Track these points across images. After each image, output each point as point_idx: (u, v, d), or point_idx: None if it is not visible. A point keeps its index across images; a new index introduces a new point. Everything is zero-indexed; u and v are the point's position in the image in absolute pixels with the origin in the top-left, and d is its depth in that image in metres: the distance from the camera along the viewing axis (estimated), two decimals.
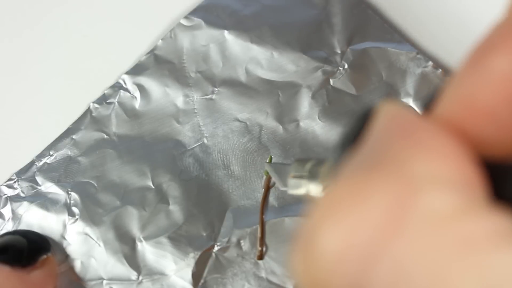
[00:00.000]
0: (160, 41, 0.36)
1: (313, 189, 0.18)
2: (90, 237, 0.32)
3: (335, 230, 0.10)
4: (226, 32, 0.35)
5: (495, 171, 0.11)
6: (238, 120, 0.34)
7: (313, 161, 0.19)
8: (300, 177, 0.19)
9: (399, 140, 0.10)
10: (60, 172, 0.34)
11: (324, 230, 0.10)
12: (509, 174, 0.10)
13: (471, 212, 0.09)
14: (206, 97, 0.35)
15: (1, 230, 0.33)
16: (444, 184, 0.10)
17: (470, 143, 0.11)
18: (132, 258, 0.32)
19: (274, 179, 0.31)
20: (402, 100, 0.33)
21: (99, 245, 0.32)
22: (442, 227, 0.09)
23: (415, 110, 0.11)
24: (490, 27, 0.11)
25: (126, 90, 0.35)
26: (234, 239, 0.32)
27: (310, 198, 0.19)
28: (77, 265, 0.32)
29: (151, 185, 0.33)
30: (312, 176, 0.18)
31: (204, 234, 0.32)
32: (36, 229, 0.32)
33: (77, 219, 0.33)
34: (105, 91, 0.35)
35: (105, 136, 0.34)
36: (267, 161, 0.33)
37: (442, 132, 0.11)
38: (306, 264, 0.10)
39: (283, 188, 0.30)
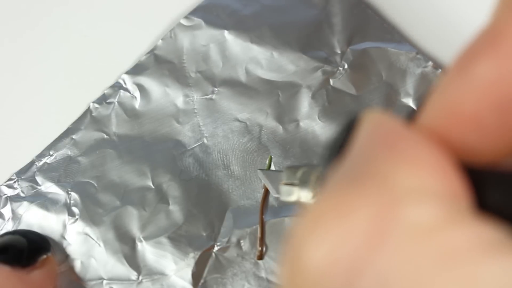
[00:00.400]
0: (160, 41, 0.36)
1: (304, 196, 0.19)
2: (90, 237, 0.32)
3: (319, 244, 0.10)
4: (226, 32, 0.35)
5: (479, 178, 0.10)
6: (238, 120, 0.34)
7: (304, 168, 0.19)
8: (292, 184, 0.19)
9: (381, 151, 0.10)
10: (60, 172, 0.34)
11: (309, 244, 0.10)
12: (493, 181, 0.10)
13: (455, 223, 0.09)
14: (206, 97, 0.35)
15: (1, 230, 0.33)
16: (426, 196, 0.10)
17: (454, 150, 0.11)
18: (132, 258, 0.32)
19: (267, 186, 0.32)
20: (402, 100, 0.33)
21: (99, 245, 0.32)
22: (425, 238, 0.09)
23: (399, 119, 0.11)
24: (474, 34, 0.11)
25: (126, 90, 0.35)
26: (234, 239, 0.32)
27: (301, 205, 0.19)
28: (77, 265, 0.32)
29: (151, 185, 0.33)
30: (303, 183, 0.19)
31: (204, 234, 0.32)
32: (36, 229, 0.32)
33: (77, 219, 0.33)
34: (105, 91, 0.35)
35: (105, 136, 0.34)
36: (267, 161, 0.33)
37: (426, 142, 0.11)
38: (292, 278, 0.10)
39: (276, 195, 0.30)
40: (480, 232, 0.09)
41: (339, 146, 0.12)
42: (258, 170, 0.33)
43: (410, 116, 0.12)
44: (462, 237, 0.09)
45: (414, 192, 0.10)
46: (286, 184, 0.19)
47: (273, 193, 0.31)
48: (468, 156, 0.11)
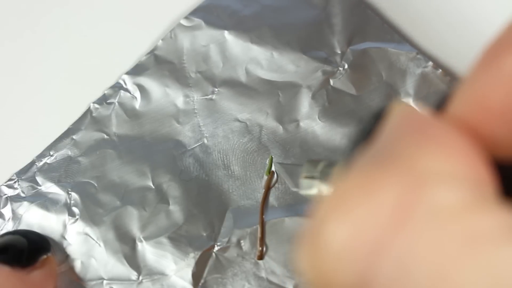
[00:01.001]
0: (160, 41, 0.36)
1: (325, 189, 0.18)
2: (90, 237, 0.32)
3: (342, 223, 0.10)
4: (226, 33, 0.36)
5: (505, 170, 0.11)
6: (238, 120, 0.34)
7: (324, 161, 0.19)
8: (312, 177, 0.19)
9: (410, 137, 0.11)
10: (60, 172, 0.34)
11: (331, 223, 0.10)
12: None
13: (479, 207, 0.09)
14: (206, 97, 0.35)
15: (1, 230, 0.33)
16: (452, 180, 0.10)
17: (482, 143, 0.11)
18: (132, 258, 0.32)
19: (285, 179, 0.32)
20: (402, 100, 0.33)
21: (99, 245, 0.32)
22: (448, 222, 0.09)
23: (428, 110, 0.11)
24: (501, 27, 0.11)
25: (126, 90, 0.35)
26: (234, 239, 0.32)
27: (320, 199, 0.19)
28: (77, 265, 0.32)
29: (151, 185, 0.33)
30: (324, 176, 0.18)
31: (204, 234, 0.32)
32: (36, 229, 0.32)
33: (77, 219, 0.33)
34: (105, 91, 0.35)
35: (105, 136, 0.34)
36: (268, 162, 0.33)
37: (454, 130, 0.11)
38: (312, 256, 0.10)
39: (294, 189, 0.30)
40: (503, 219, 0.09)
41: (364, 137, 0.12)
42: (277, 164, 0.32)
43: (440, 104, 0.12)
44: (485, 222, 0.09)
45: (440, 175, 0.10)
46: (307, 177, 0.19)
47: (291, 187, 0.31)
48: (496, 149, 0.11)
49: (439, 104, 0.12)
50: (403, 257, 0.09)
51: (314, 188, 0.19)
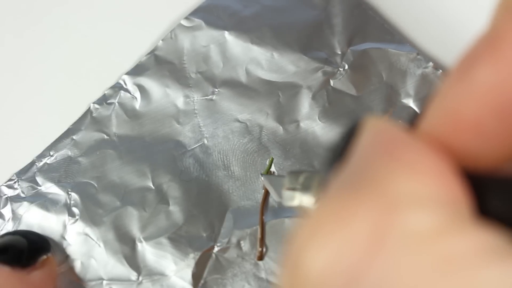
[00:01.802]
0: (161, 41, 0.36)
1: (305, 201, 0.19)
2: (90, 237, 0.32)
3: (319, 250, 0.10)
4: (226, 33, 0.35)
5: (480, 184, 0.10)
6: (239, 121, 0.34)
7: (306, 173, 0.19)
8: (294, 189, 0.19)
9: (381, 158, 0.10)
10: (60, 173, 0.34)
11: (309, 250, 0.10)
12: (493, 187, 0.10)
13: (455, 229, 0.09)
14: (206, 97, 0.35)
15: (1, 230, 0.33)
16: (426, 203, 0.10)
17: (455, 157, 0.11)
18: (132, 259, 0.32)
19: (269, 190, 0.32)
20: (403, 101, 0.33)
21: (99, 245, 0.32)
22: (423, 245, 0.09)
23: (400, 125, 0.11)
24: (474, 39, 0.11)
25: (127, 90, 0.35)
26: (234, 240, 0.32)
27: (303, 210, 0.19)
28: (77, 266, 0.32)
29: (151, 185, 0.33)
30: (305, 188, 0.19)
31: (204, 235, 0.32)
32: (36, 229, 0.32)
33: (77, 219, 0.33)
34: (106, 92, 0.35)
35: (106, 137, 0.34)
36: (268, 162, 0.33)
37: (426, 148, 0.11)
38: (292, 283, 0.10)
39: (278, 199, 0.31)
40: (481, 238, 0.09)
41: (340, 151, 0.12)
42: (261, 175, 0.33)
43: (412, 119, 0.12)
44: (462, 243, 0.09)
45: (413, 198, 0.10)
46: (288, 189, 0.20)
47: (275, 198, 0.32)
48: (469, 161, 0.11)
49: (412, 118, 0.12)
50: (380, 283, 0.09)
51: (296, 200, 0.19)
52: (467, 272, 0.09)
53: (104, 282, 0.31)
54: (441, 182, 0.10)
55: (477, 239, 0.09)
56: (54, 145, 0.34)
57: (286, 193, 0.20)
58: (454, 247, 0.09)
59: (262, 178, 0.32)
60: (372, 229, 0.09)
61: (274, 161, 0.33)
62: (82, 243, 0.32)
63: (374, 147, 0.11)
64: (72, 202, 0.33)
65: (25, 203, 0.33)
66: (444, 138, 0.11)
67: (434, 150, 0.11)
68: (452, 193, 0.10)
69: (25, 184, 0.34)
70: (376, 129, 0.11)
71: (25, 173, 0.34)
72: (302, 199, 0.19)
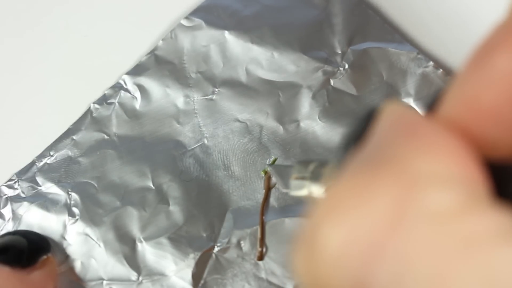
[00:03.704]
0: (161, 41, 0.36)
1: (315, 190, 0.18)
2: (90, 237, 0.32)
3: (337, 227, 0.10)
4: (226, 33, 0.35)
5: (499, 172, 0.10)
6: (239, 121, 0.34)
7: (315, 162, 0.19)
8: (302, 178, 0.19)
9: (402, 139, 0.10)
10: (61, 173, 0.34)
11: (326, 226, 0.10)
12: (509, 172, 0.10)
13: (473, 209, 0.09)
14: (206, 97, 0.35)
15: (2, 230, 0.33)
16: (446, 182, 0.10)
17: (474, 143, 0.11)
18: (132, 259, 0.32)
19: (275, 180, 0.31)
20: (403, 100, 0.33)
21: (99, 245, 0.32)
22: (443, 224, 0.09)
23: (418, 111, 0.11)
24: (492, 27, 0.11)
25: (127, 90, 0.35)
26: (234, 240, 0.32)
27: (311, 199, 0.19)
28: (77, 266, 0.32)
29: (152, 185, 0.33)
30: (315, 177, 0.18)
31: (204, 235, 0.32)
32: (36, 229, 0.32)
33: (77, 219, 0.33)
34: (106, 92, 0.35)
35: (106, 137, 0.34)
36: (270, 163, 0.33)
37: (446, 132, 0.11)
38: (308, 260, 0.10)
39: (285, 190, 0.30)
40: (499, 220, 0.09)
41: (355, 139, 0.12)
42: (267, 166, 0.32)
43: (433, 104, 0.12)
44: (480, 223, 0.09)
45: (433, 177, 0.10)
46: (297, 178, 0.19)
47: (282, 188, 0.31)
48: (488, 149, 0.11)
49: (432, 103, 0.12)
50: (398, 261, 0.09)
51: (305, 189, 0.19)
52: (485, 251, 0.09)
53: (104, 282, 0.31)
54: (460, 163, 0.10)
55: (495, 220, 0.09)
56: (54, 145, 0.34)
57: (294, 182, 0.19)
58: (473, 227, 0.09)
59: (269, 168, 0.32)
60: (392, 206, 0.09)
61: (277, 162, 0.33)
62: (82, 243, 0.32)
63: (394, 129, 0.11)
64: (72, 202, 0.33)
65: (25, 203, 0.33)
66: (462, 124, 0.11)
67: (453, 134, 0.11)
68: (471, 175, 0.10)
69: (25, 184, 0.34)
70: (396, 113, 0.11)
71: (25, 173, 0.34)
72: (311, 188, 0.18)
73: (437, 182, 0.10)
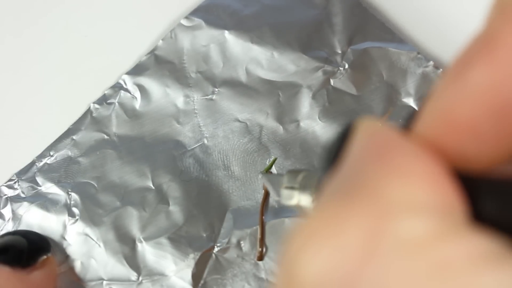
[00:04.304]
0: (161, 41, 0.36)
1: (303, 200, 0.19)
2: (90, 237, 0.32)
3: (314, 258, 0.10)
4: (226, 32, 0.35)
5: (474, 186, 0.10)
6: (239, 121, 0.34)
7: (304, 173, 0.19)
8: (292, 188, 0.19)
9: (374, 163, 0.10)
10: (60, 173, 0.34)
11: (304, 256, 0.10)
12: (488, 189, 0.10)
13: (449, 235, 0.09)
14: (206, 97, 0.35)
15: (1, 230, 0.33)
16: (419, 209, 0.09)
17: (449, 158, 0.11)
18: (132, 259, 0.32)
19: (268, 189, 0.32)
20: (403, 100, 0.33)
21: (99, 245, 0.32)
22: (417, 252, 0.09)
23: (393, 127, 0.11)
24: (468, 41, 0.11)
25: (127, 90, 0.35)
26: (234, 240, 0.32)
27: (300, 209, 0.20)
28: (77, 266, 0.32)
29: (151, 185, 0.33)
30: (303, 187, 0.19)
31: (204, 235, 0.32)
32: (36, 229, 0.33)
33: (77, 219, 0.33)
34: (106, 92, 0.35)
35: (106, 137, 0.34)
36: (270, 162, 0.33)
37: (419, 152, 0.10)
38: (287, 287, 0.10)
39: (277, 198, 0.30)
40: (475, 244, 0.09)
41: (336, 151, 0.12)
42: (260, 173, 0.33)
43: (412, 118, 0.12)
44: (456, 249, 0.09)
45: (406, 205, 0.10)
46: (287, 187, 0.20)
47: (274, 196, 0.32)
48: (464, 163, 0.11)
49: (408, 119, 0.12)
50: None
51: (294, 199, 0.19)
52: (461, 278, 0.08)
53: (104, 282, 0.31)
54: (434, 187, 0.10)
55: (472, 245, 0.09)
56: (54, 145, 0.34)
57: (285, 192, 0.20)
58: (448, 253, 0.09)
59: (261, 176, 0.32)
60: (365, 236, 0.09)
61: (278, 161, 0.33)
62: (82, 243, 0.32)
63: (367, 151, 0.11)
64: (72, 202, 0.33)
65: (25, 203, 0.33)
66: (438, 139, 0.11)
67: (428, 154, 0.10)
68: (446, 198, 0.10)
69: (25, 184, 0.34)
70: (369, 131, 0.11)
71: (25, 173, 0.34)
72: (300, 198, 0.19)
73: (410, 210, 0.09)
